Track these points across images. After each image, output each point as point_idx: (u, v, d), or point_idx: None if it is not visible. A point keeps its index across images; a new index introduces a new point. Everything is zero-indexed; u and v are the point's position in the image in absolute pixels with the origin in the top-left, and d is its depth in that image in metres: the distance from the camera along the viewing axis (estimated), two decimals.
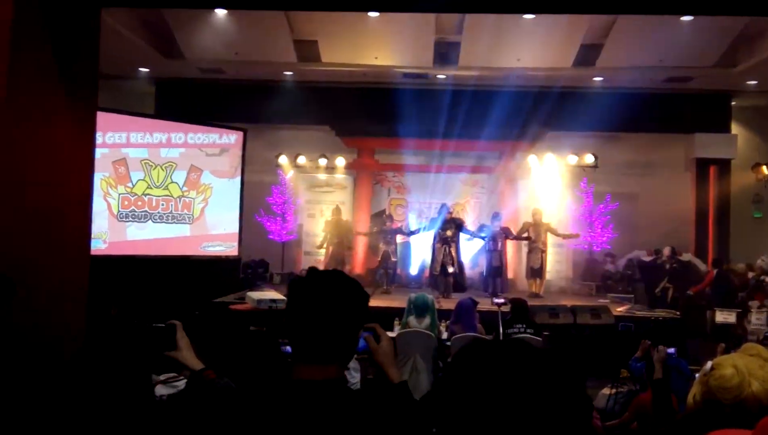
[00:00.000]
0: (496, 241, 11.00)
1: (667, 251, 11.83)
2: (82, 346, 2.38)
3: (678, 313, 9.72)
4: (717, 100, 12.62)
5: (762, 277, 10.21)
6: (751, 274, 10.66)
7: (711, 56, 10.91)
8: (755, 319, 8.60)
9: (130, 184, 9.54)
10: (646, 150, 12.73)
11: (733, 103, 12.82)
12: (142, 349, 1.73)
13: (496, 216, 11.27)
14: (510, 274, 12.08)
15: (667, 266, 11.40)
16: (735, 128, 12.97)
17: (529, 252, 11.11)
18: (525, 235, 11.17)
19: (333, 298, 1.52)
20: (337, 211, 12.01)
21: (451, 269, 10.51)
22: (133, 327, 1.76)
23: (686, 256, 11.87)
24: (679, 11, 7.38)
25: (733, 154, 12.72)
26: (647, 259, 12.16)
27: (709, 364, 1.85)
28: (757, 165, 11.36)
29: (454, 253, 10.62)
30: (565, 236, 11.35)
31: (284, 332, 1.56)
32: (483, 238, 11.12)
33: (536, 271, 10.97)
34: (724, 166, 12.84)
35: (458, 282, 10.62)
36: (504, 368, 1.01)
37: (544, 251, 11.03)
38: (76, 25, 3.00)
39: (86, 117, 3.06)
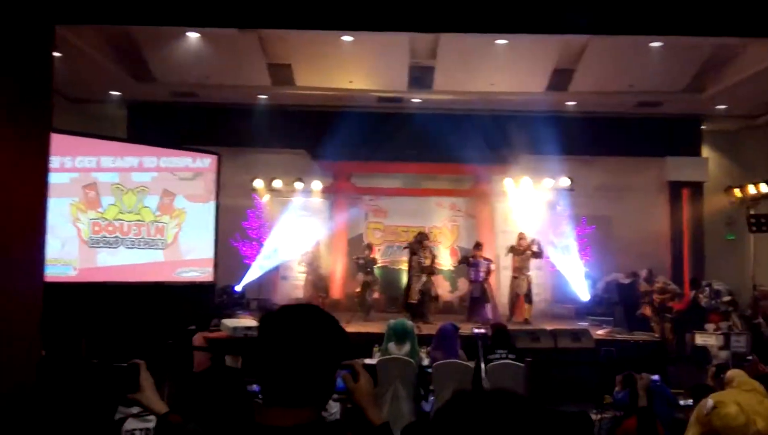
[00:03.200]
0: (479, 271, 10.88)
1: (643, 274, 11.89)
2: (34, 386, 2.22)
3: (657, 335, 9.73)
4: (687, 124, 12.82)
5: (715, 300, 10.28)
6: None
7: (680, 81, 11.10)
8: (734, 341, 8.59)
9: (100, 209, 9.30)
10: (619, 173, 12.85)
11: (702, 127, 13.03)
12: (103, 392, 1.59)
13: (477, 246, 11.15)
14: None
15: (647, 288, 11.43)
16: (706, 151, 13.17)
17: (515, 278, 11.00)
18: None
19: (308, 335, 1.41)
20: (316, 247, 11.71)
21: (433, 294, 10.47)
22: (93, 367, 1.62)
23: (660, 279, 11.92)
24: (649, 32, 7.44)
25: (705, 177, 12.89)
26: (625, 281, 12.18)
27: (709, 402, 1.77)
28: (730, 188, 11.51)
29: (433, 281, 10.56)
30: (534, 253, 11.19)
31: (254, 371, 1.44)
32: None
33: (526, 297, 10.89)
34: (696, 188, 13.01)
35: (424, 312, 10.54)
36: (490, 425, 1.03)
37: (529, 277, 10.97)
38: (27, 43, 2.86)
39: (39, 139, 2.91)
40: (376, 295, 11.50)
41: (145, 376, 1.64)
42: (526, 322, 10.54)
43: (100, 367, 1.61)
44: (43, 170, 2.93)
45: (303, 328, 1.42)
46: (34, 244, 2.83)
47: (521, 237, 11.19)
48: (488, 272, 11.01)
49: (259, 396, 1.48)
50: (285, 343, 1.39)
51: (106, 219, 9.38)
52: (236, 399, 2.04)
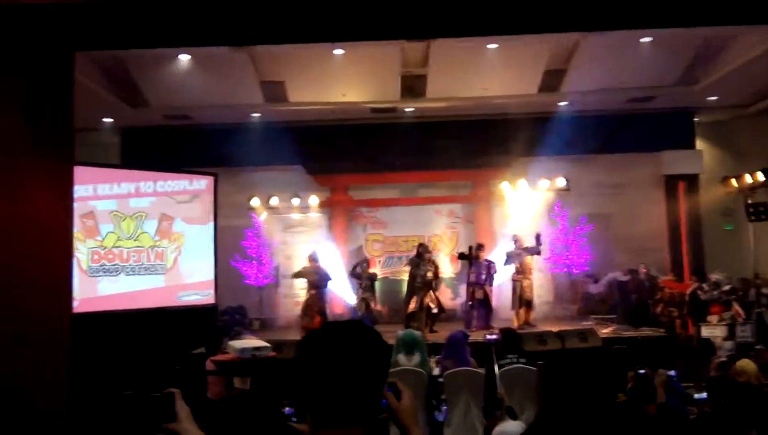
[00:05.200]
0: (480, 274, 10.75)
1: (642, 269, 11.92)
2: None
3: (663, 330, 9.73)
4: (680, 117, 12.86)
5: (715, 291, 10.28)
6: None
7: (671, 75, 11.16)
8: (740, 331, 8.60)
9: (99, 238, 9.22)
10: (615, 170, 12.89)
11: (695, 119, 13.08)
12: (138, 423, 1.56)
13: (479, 247, 11.05)
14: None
15: (647, 284, 11.45)
16: (699, 144, 13.22)
17: (516, 281, 10.75)
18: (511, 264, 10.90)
19: (356, 353, 1.38)
20: (312, 258, 11.23)
21: (435, 311, 10.37)
22: (125, 398, 1.59)
23: (654, 273, 11.99)
24: (642, 26, 7.47)
25: (700, 169, 12.93)
26: (624, 278, 12.21)
27: None
28: (726, 178, 11.53)
29: (434, 295, 10.45)
30: (529, 249, 10.84)
31: (296, 394, 1.41)
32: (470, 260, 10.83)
33: (527, 301, 10.66)
34: (692, 181, 13.04)
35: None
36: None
37: (530, 279, 10.84)
38: (47, 72, 2.85)
39: (63, 172, 2.90)
40: (378, 307, 11.41)
41: (181, 405, 1.61)
42: (528, 325, 10.45)
43: (134, 397, 1.57)
44: (68, 200, 2.91)
45: (351, 345, 1.39)
46: (63, 275, 2.82)
47: (516, 239, 11.02)
48: (490, 274, 10.88)
49: (293, 419, 1.45)
50: (333, 362, 1.37)
51: (105, 247, 9.30)
52: (273, 424, 2.00)
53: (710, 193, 12.82)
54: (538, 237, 10.76)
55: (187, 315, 9.81)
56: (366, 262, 11.42)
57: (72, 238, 2.98)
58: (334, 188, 13.08)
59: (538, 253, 10.94)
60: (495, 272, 10.94)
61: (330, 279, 11.14)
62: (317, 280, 10.94)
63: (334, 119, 12.04)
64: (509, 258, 10.83)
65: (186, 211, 10.15)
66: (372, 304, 10.96)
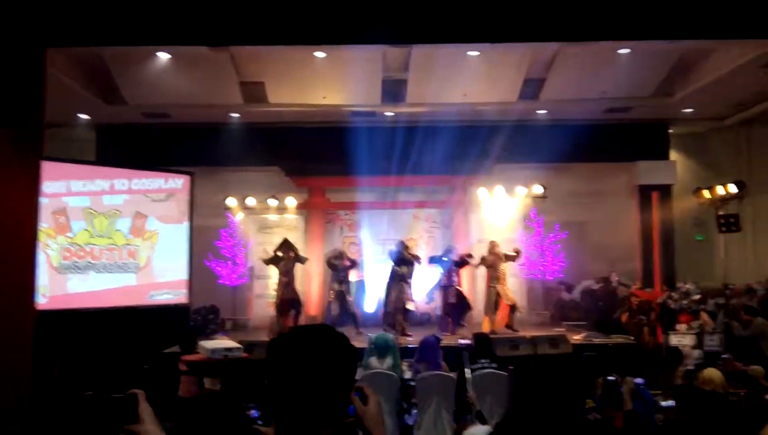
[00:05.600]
0: (451, 276, 10.81)
1: (614, 277, 12.08)
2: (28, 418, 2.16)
3: (633, 338, 9.85)
4: (655, 128, 13.05)
5: (684, 300, 10.43)
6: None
7: (648, 87, 11.31)
8: (708, 340, 8.74)
9: (70, 235, 9.12)
10: (591, 179, 13.05)
11: (670, 130, 13.28)
12: (99, 424, 1.54)
13: (449, 250, 11.10)
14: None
15: (618, 293, 11.59)
16: (674, 155, 13.43)
17: (491, 287, 10.75)
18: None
19: (323, 357, 1.38)
20: (286, 245, 11.11)
21: (412, 307, 10.39)
22: (86, 399, 1.56)
23: (624, 281, 12.16)
24: (620, 37, 7.56)
25: (674, 180, 13.13)
26: (596, 286, 12.35)
27: None
28: (698, 189, 11.72)
29: (406, 289, 10.48)
30: (508, 256, 10.90)
31: (264, 397, 1.41)
32: (442, 263, 10.90)
33: (510, 305, 10.69)
34: (665, 191, 13.23)
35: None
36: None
37: (504, 285, 10.86)
38: (19, 67, 2.81)
39: (31, 165, 2.86)
40: (353, 308, 11.35)
41: (144, 406, 1.59)
42: (511, 329, 10.51)
43: (95, 398, 1.55)
44: (35, 195, 2.87)
45: (318, 349, 1.40)
46: (27, 270, 2.78)
47: (493, 245, 11.02)
48: (464, 264, 10.86)
49: (259, 422, 1.45)
50: (300, 366, 1.37)
51: (77, 244, 9.20)
52: (238, 426, 1.99)
53: (683, 203, 13.03)
54: (517, 252, 10.88)
55: (158, 314, 9.73)
56: (341, 254, 11.32)
57: (36, 234, 2.94)
58: (312, 190, 13.05)
59: (513, 261, 11.03)
60: (468, 257, 10.93)
61: (302, 261, 11.08)
62: (289, 267, 10.87)
63: (313, 121, 12.01)
64: (483, 261, 10.89)
65: (161, 209, 10.07)
66: (347, 297, 10.90)
